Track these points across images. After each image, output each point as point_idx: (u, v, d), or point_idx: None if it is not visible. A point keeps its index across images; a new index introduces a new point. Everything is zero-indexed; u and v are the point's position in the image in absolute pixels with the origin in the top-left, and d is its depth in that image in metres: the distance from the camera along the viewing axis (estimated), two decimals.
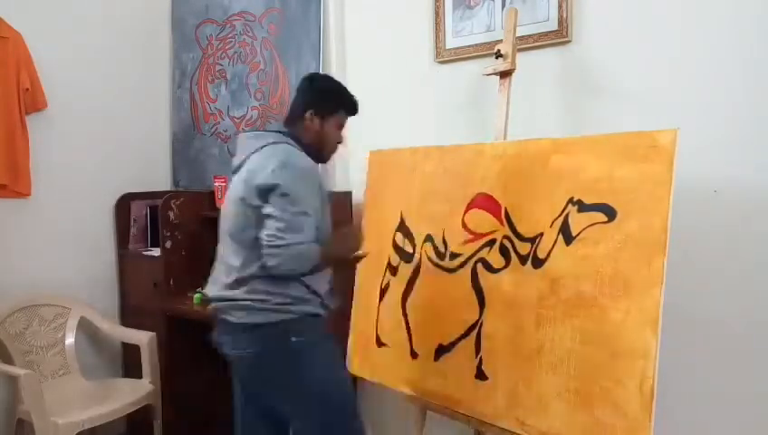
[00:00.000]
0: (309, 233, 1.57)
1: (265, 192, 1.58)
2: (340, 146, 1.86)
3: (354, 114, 1.85)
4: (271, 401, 1.75)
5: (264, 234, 1.55)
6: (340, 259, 1.76)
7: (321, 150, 1.80)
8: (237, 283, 1.64)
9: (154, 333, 2.58)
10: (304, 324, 1.65)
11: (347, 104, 1.83)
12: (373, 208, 2.24)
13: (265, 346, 1.64)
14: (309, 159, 1.70)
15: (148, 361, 2.55)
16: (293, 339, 1.63)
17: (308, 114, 1.76)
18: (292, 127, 1.79)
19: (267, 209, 1.57)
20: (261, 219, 1.58)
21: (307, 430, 1.72)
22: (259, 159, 1.66)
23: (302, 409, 1.69)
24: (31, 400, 2.14)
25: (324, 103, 1.78)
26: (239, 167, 1.73)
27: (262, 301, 1.61)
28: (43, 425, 2.14)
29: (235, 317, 1.64)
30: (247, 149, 1.73)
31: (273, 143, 1.70)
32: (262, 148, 1.69)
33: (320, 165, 1.83)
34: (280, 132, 1.77)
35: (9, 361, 2.42)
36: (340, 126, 1.83)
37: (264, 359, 1.66)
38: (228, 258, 1.69)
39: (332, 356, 1.77)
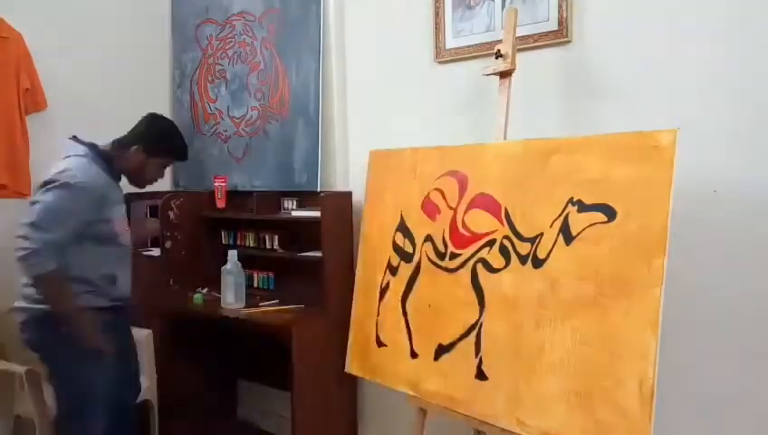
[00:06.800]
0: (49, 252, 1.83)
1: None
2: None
3: (182, 160, 2.10)
4: None
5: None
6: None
7: (136, 180, 2.09)
8: None
9: (150, 331, 2.57)
10: None
11: (176, 151, 2.09)
12: (373, 208, 2.24)
13: None
14: (95, 175, 1.89)
15: (146, 359, 2.54)
16: None
17: (133, 148, 2.00)
18: (118, 150, 2.02)
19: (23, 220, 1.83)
20: None
21: None
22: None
23: None
24: (31, 398, 2.14)
25: (154, 145, 2.03)
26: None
27: None
28: (43, 424, 2.14)
29: None
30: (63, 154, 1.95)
31: (73, 156, 1.92)
32: (65, 158, 1.91)
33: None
34: (93, 147, 1.97)
35: (9, 359, 2.42)
36: (164, 166, 2.11)
37: None
38: None
39: None
